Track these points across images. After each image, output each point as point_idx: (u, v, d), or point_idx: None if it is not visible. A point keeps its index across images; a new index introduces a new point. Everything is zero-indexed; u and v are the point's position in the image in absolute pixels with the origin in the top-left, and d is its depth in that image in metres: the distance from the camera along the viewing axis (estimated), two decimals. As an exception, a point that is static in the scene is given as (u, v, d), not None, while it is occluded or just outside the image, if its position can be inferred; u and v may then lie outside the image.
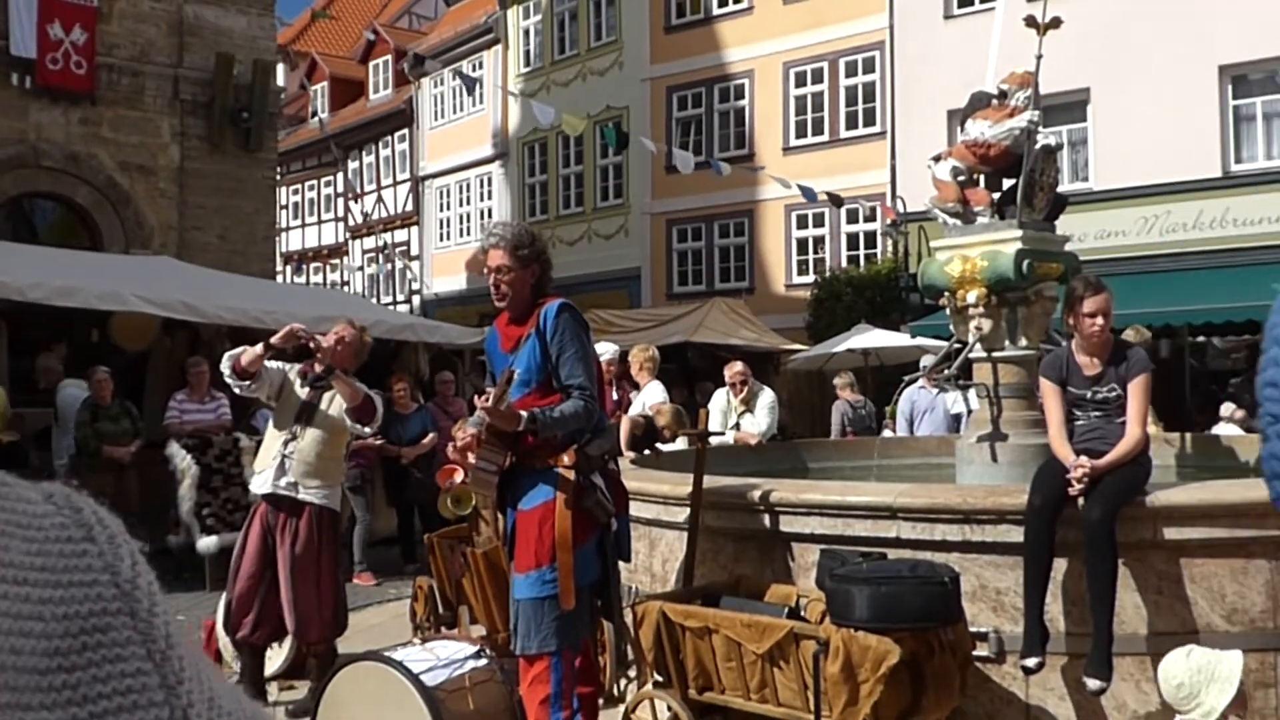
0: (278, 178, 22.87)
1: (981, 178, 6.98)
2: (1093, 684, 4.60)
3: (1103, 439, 5.00)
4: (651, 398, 9.17)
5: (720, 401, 10.07)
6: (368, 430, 6.70)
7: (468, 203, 32.59)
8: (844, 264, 23.37)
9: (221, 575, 7.99)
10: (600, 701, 5.29)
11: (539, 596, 4.66)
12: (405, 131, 34.85)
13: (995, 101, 6.87)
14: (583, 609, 4.74)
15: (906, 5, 22.32)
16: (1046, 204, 6.87)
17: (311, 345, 6.24)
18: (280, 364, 6.43)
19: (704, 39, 26.04)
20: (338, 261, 37.76)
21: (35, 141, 17.07)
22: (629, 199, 27.54)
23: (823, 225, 24.30)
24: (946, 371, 6.91)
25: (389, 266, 34.91)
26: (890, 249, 22.51)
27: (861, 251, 23.66)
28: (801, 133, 24.54)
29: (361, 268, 36.58)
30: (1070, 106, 19.84)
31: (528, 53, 30.33)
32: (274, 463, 6.28)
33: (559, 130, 28.32)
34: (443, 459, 9.63)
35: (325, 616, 6.30)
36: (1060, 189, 7.16)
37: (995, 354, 6.66)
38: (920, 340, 17.19)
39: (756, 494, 5.50)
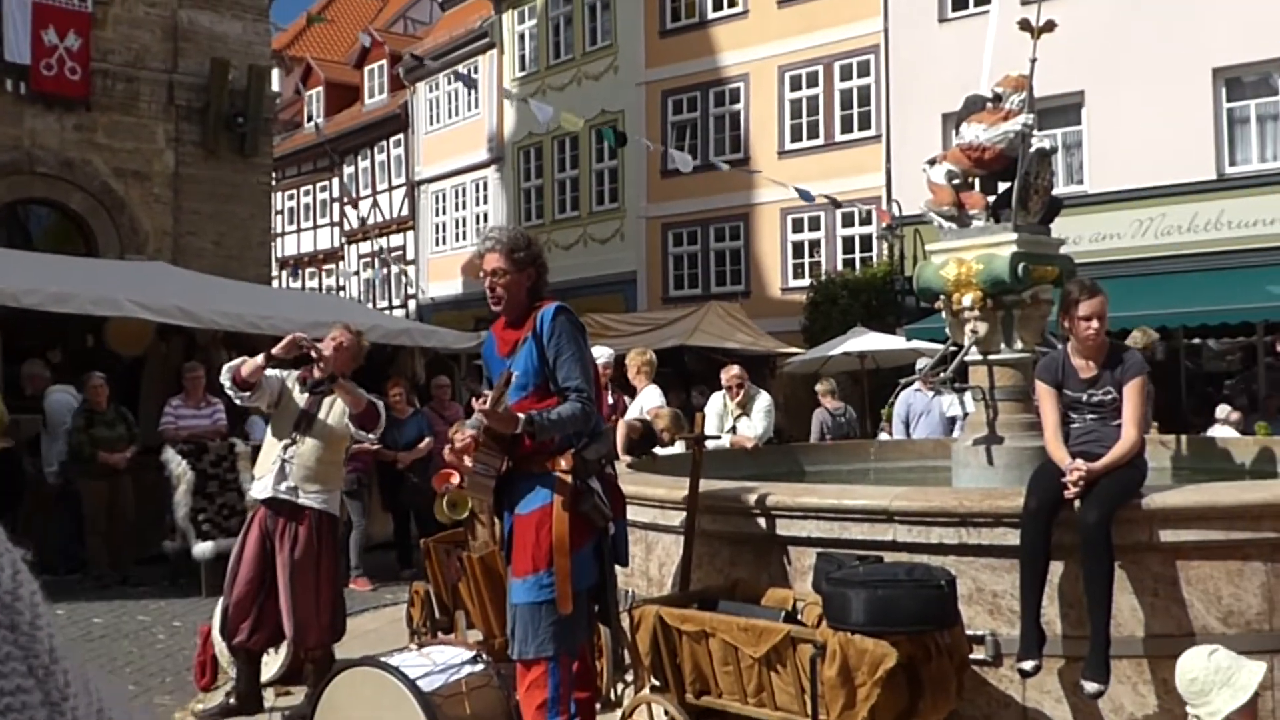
0: (273, 183, 22.89)
1: (976, 181, 6.99)
2: (1090, 687, 4.60)
3: (1098, 442, 5.00)
4: (649, 402, 9.18)
5: (717, 405, 10.08)
6: (371, 436, 6.70)
7: (463, 207, 32.59)
8: (839, 267, 23.39)
9: (217, 581, 7.99)
10: (597, 706, 5.28)
11: (536, 601, 4.65)
12: (400, 136, 34.85)
13: (990, 105, 6.88)
14: (580, 614, 4.73)
15: (901, 9, 22.36)
16: (1041, 207, 6.87)
17: (313, 354, 6.23)
18: (279, 371, 6.42)
19: (699, 43, 26.06)
20: (333, 266, 37.74)
21: (30, 148, 17.06)
22: (624, 203, 27.55)
23: (818, 229, 24.31)
24: (942, 374, 6.91)
25: (385, 271, 34.89)
26: (886, 252, 22.54)
27: (857, 255, 23.67)
28: (797, 136, 24.56)
29: (357, 272, 36.56)
30: (1065, 109, 19.87)
31: (523, 57, 30.34)
32: (274, 468, 6.28)
33: (554, 134, 28.43)
34: (439, 463, 9.65)
35: (323, 622, 6.29)
36: (1055, 192, 7.17)
37: (991, 357, 6.67)
38: (916, 343, 17.22)
39: (753, 497, 5.49)
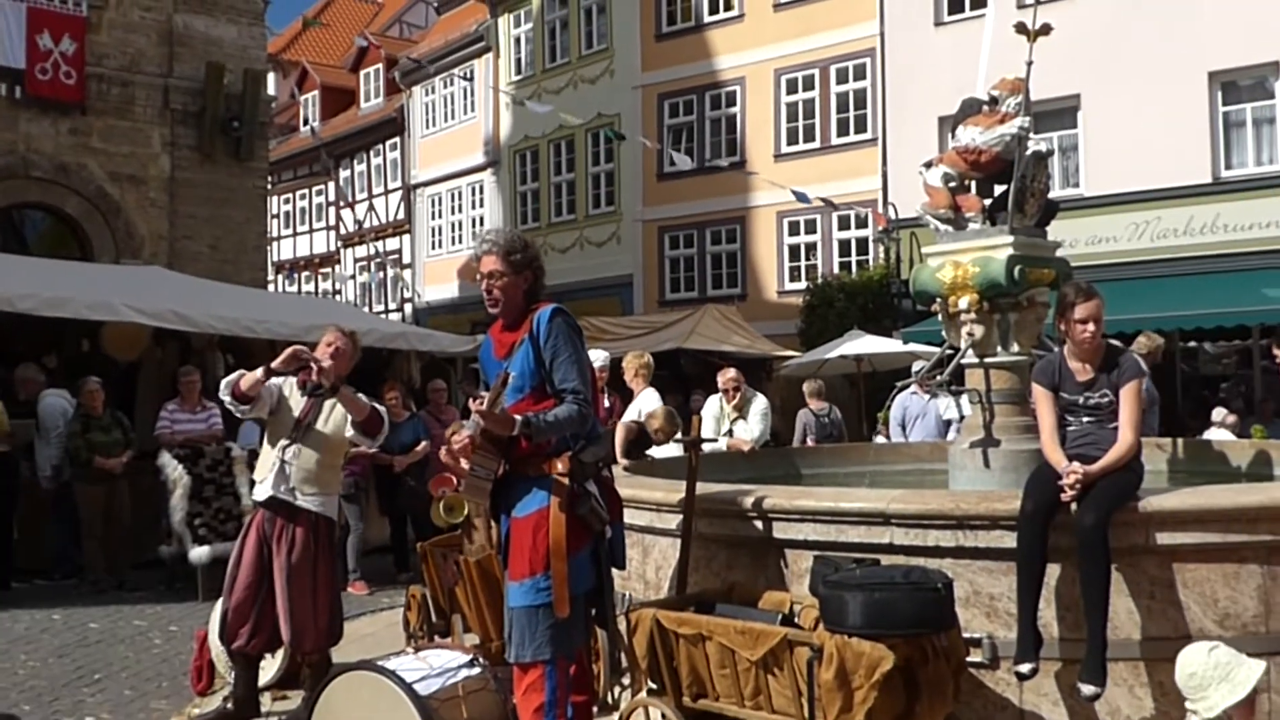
0: (269, 187, 22.87)
1: (973, 184, 6.99)
2: (1087, 689, 4.60)
3: (1095, 444, 5.00)
4: (646, 405, 9.16)
5: (713, 408, 10.08)
6: (374, 443, 6.69)
7: (459, 211, 32.59)
8: (836, 270, 23.41)
9: (213, 585, 7.99)
10: (594, 710, 5.28)
11: (533, 604, 4.65)
12: (396, 140, 34.85)
13: (986, 108, 6.88)
14: (577, 617, 4.73)
15: (897, 12, 22.38)
16: (1038, 210, 6.87)
17: (314, 368, 6.21)
18: (275, 379, 6.40)
19: (695, 46, 26.07)
20: (329, 270, 37.74)
21: (25, 152, 17.05)
22: (621, 206, 27.56)
23: (815, 231, 24.32)
24: (939, 377, 6.92)
25: (381, 275, 34.89)
26: (882, 255, 22.55)
27: (853, 258, 23.69)
28: (793, 139, 24.57)
29: (353, 276, 36.54)
30: (1061, 113, 19.90)
31: (519, 60, 30.35)
32: (273, 469, 6.27)
33: (551, 138, 28.45)
34: (435, 467, 9.64)
35: (321, 626, 6.28)
36: (1051, 195, 7.17)
37: (987, 360, 6.67)
38: (912, 346, 17.23)
39: (749, 500, 5.49)
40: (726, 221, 25.60)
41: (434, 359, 15.98)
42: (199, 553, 10.51)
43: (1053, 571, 4.84)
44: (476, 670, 5.14)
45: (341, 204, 36.32)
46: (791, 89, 24.63)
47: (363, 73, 37.52)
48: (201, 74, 18.49)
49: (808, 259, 24.39)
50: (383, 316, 30.66)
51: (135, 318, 12.15)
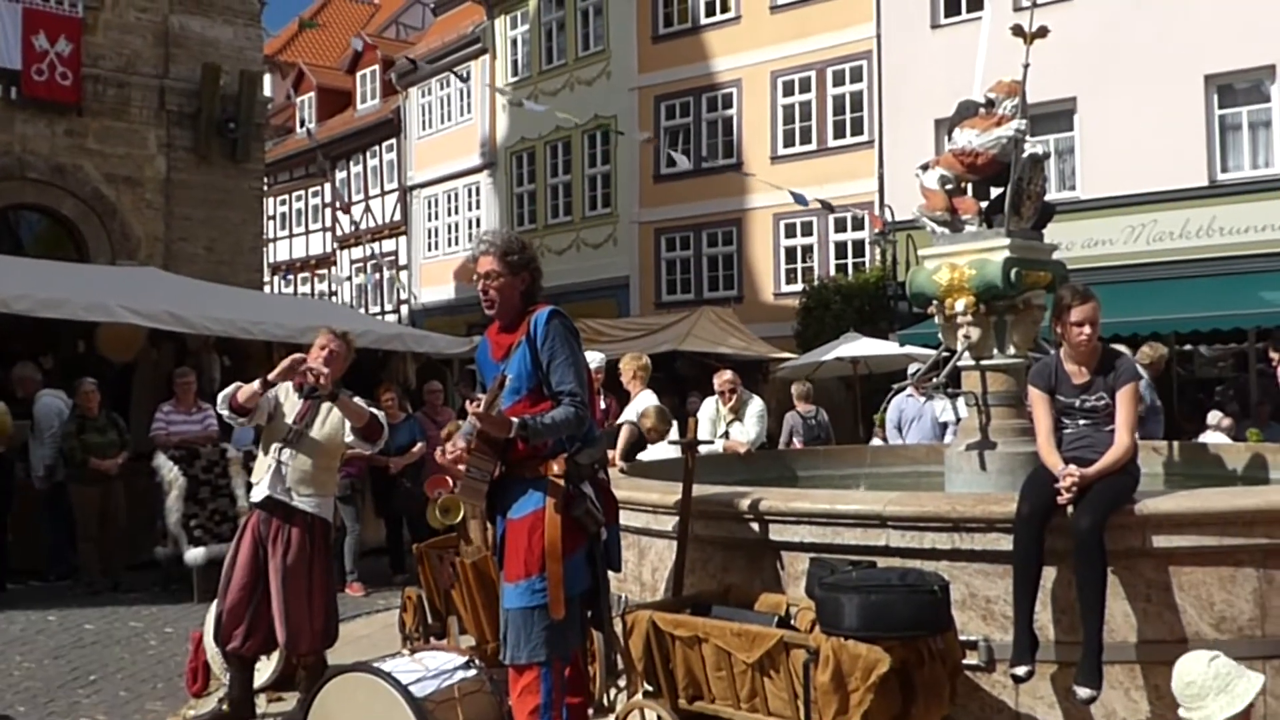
0: (265, 188, 22.86)
1: (969, 186, 6.98)
2: (1083, 692, 4.60)
3: (1091, 447, 5.00)
4: (643, 406, 9.16)
5: (709, 410, 10.07)
6: (375, 447, 6.69)
7: (456, 212, 32.58)
8: (832, 272, 23.42)
9: (209, 587, 7.98)
10: (590, 711, 5.27)
11: (529, 606, 4.64)
12: (393, 141, 34.84)
13: (983, 110, 6.88)
14: (573, 619, 4.72)
15: (894, 14, 22.39)
16: (1034, 212, 6.87)
17: (312, 377, 6.19)
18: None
19: (692, 48, 26.08)
20: (325, 272, 37.71)
21: (20, 153, 17.05)
22: (617, 208, 27.56)
23: (811, 234, 24.32)
24: (935, 380, 6.91)
25: (377, 276, 34.88)
26: (878, 257, 22.57)
27: (850, 260, 23.70)
28: (789, 142, 24.58)
29: (349, 278, 36.52)
30: (1057, 115, 19.92)
31: (515, 62, 30.34)
32: (269, 471, 6.26)
33: (547, 139, 28.45)
34: (431, 469, 9.64)
35: (316, 627, 6.27)
36: (1047, 198, 7.17)
37: (983, 362, 6.66)
38: (909, 348, 17.23)
39: (746, 502, 5.49)
40: (723, 223, 25.61)
41: (430, 360, 15.97)
42: (194, 554, 10.50)
43: (1049, 574, 4.84)
44: (472, 672, 5.14)
45: (338, 205, 36.31)
46: (788, 91, 24.64)
47: (359, 74, 37.52)
48: (197, 75, 18.50)
49: (804, 261, 24.40)
50: (379, 318, 30.62)
51: (131, 319, 12.14)
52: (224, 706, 6.38)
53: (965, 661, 4.79)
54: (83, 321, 12.34)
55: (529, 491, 4.72)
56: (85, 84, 17.42)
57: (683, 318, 21.22)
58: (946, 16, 21.75)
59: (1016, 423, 6.56)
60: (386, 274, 34.59)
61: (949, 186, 6.92)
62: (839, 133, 23.92)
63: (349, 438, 6.38)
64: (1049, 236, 7.09)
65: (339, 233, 36.96)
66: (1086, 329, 5.10)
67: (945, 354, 6.88)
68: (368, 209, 35.62)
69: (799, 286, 23.54)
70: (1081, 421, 5.13)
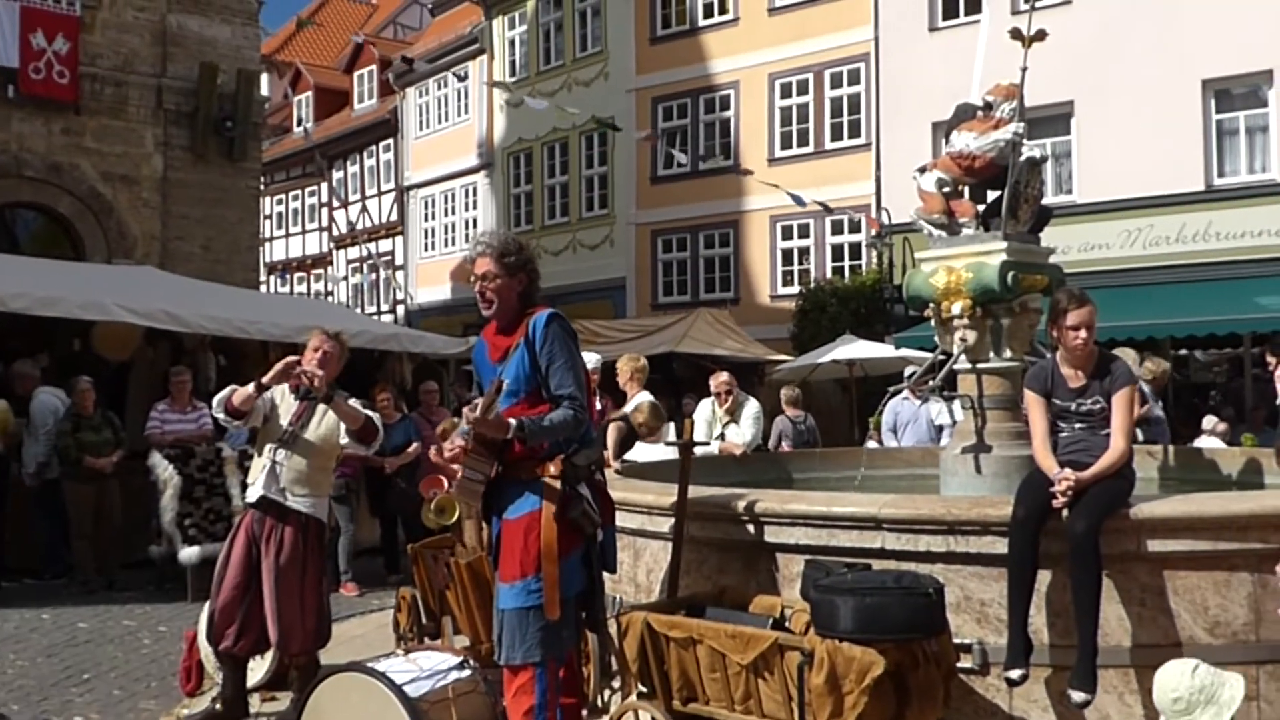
0: (261, 187, 22.84)
1: (966, 189, 6.98)
2: (1077, 696, 4.61)
3: (1087, 451, 5.01)
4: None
5: (705, 412, 10.07)
6: (370, 449, 6.68)
7: (452, 213, 32.57)
8: (829, 275, 23.42)
9: (203, 586, 7.96)
10: (584, 712, 5.27)
11: (524, 607, 4.64)
12: (390, 141, 34.82)
13: (980, 113, 6.88)
14: (568, 620, 4.72)
15: (891, 17, 22.41)
16: (1031, 216, 6.88)
17: (305, 380, 6.19)
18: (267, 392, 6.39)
19: (689, 50, 26.09)
20: (322, 271, 37.69)
21: (17, 151, 17.03)
22: (614, 209, 27.57)
23: (808, 236, 24.33)
24: (931, 383, 6.91)
25: (373, 276, 34.85)
26: (875, 260, 22.57)
27: (846, 262, 23.71)
28: (787, 144, 24.59)
29: (346, 278, 36.52)
30: (1054, 119, 19.93)
31: (513, 63, 30.34)
32: (264, 470, 6.26)
33: (545, 140, 28.45)
34: (426, 469, 9.62)
35: (308, 627, 6.27)
36: (1044, 201, 7.17)
37: (980, 365, 6.66)
38: (905, 351, 17.22)
39: (741, 504, 5.49)
40: (720, 225, 25.63)
41: (426, 361, 15.96)
42: (189, 553, 10.49)
43: (1044, 578, 4.84)
44: (466, 672, 5.13)
45: (334, 205, 36.28)
46: (786, 93, 24.66)
47: (356, 74, 37.50)
48: (195, 74, 18.49)
49: (800, 263, 24.41)
50: (375, 318, 30.60)
51: (127, 318, 12.12)
52: (217, 706, 6.38)
53: (959, 664, 4.79)
54: (79, 320, 12.32)
55: (525, 493, 4.72)
56: (82, 82, 17.40)
57: (679, 319, 21.21)
58: (945, 19, 21.77)
59: (1012, 426, 6.56)
60: (383, 274, 34.58)
61: (946, 189, 6.92)
62: (836, 135, 23.93)
63: (344, 439, 6.38)
64: (1046, 240, 7.10)
65: (335, 233, 36.95)
66: (1082, 333, 5.11)
67: (941, 357, 6.88)
68: (364, 209, 35.61)
69: (795, 289, 23.55)
70: (1077, 425, 5.14)
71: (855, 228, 23.47)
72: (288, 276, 38.65)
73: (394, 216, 34.56)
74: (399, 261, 34.33)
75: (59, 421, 11.35)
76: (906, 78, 21.71)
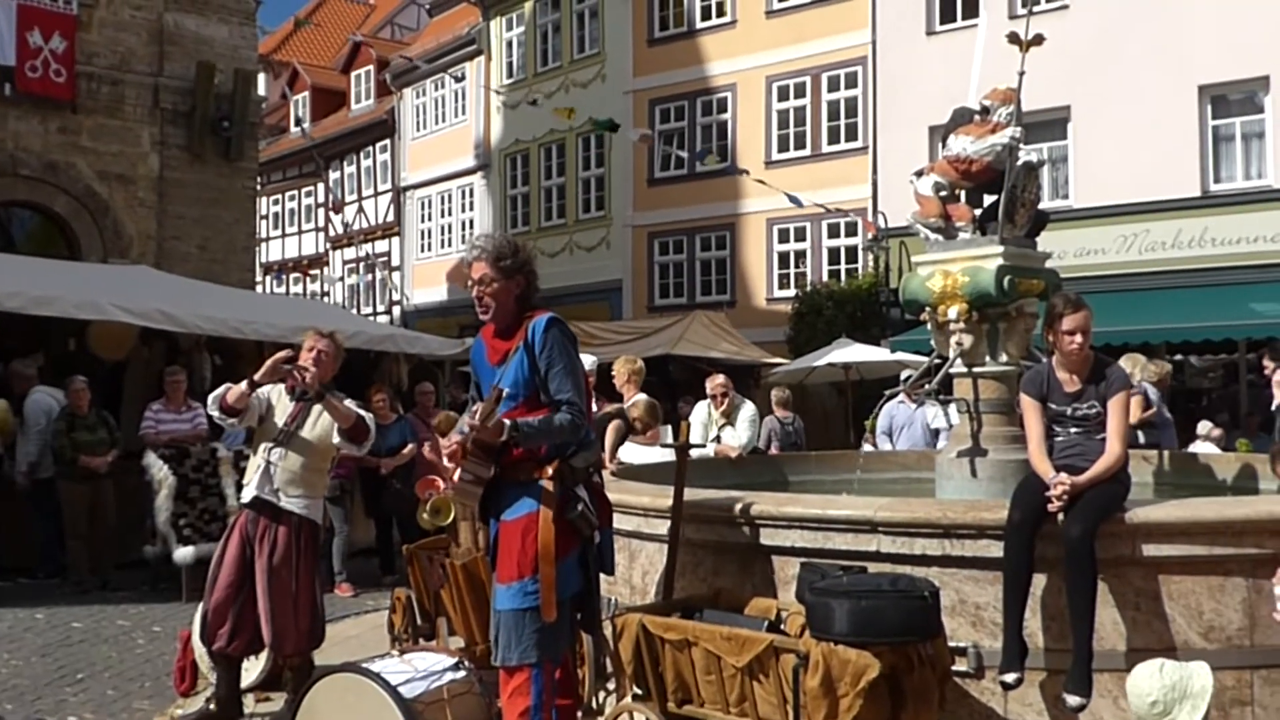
0: (258, 188, 22.84)
1: (963, 193, 7.00)
2: (1072, 700, 4.61)
3: (1082, 455, 5.02)
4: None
5: (701, 414, 10.08)
6: (360, 449, 6.67)
7: (449, 214, 32.57)
8: (825, 278, 23.44)
9: (197, 586, 7.96)
10: (580, 714, 5.27)
11: (520, 608, 4.63)
12: (387, 142, 34.81)
13: (977, 117, 6.89)
14: (564, 621, 4.72)
15: (889, 21, 22.43)
16: (1028, 220, 6.89)
17: (297, 375, 6.18)
18: (264, 388, 6.38)
19: (687, 52, 26.10)
20: (318, 272, 37.67)
21: (13, 150, 17.01)
22: (611, 211, 27.57)
23: (804, 239, 24.35)
24: (927, 386, 6.92)
25: (369, 277, 34.83)
26: (871, 264, 22.58)
27: (843, 266, 23.74)
28: (784, 147, 24.61)
29: (342, 278, 36.49)
30: (1051, 124, 19.96)
31: (510, 64, 30.34)
32: (259, 471, 6.26)
33: (542, 142, 28.45)
34: (422, 469, 9.61)
35: (302, 628, 6.26)
36: (1040, 206, 7.18)
37: (976, 369, 6.68)
38: (901, 355, 17.23)
39: (737, 507, 5.49)
40: (716, 228, 25.64)
41: (422, 361, 15.95)
42: (183, 553, 10.47)
43: (1039, 581, 4.85)
44: (461, 673, 5.13)
45: (331, 206, 36.27)
46: (783, 96, 24.68)
47: (354, 74, 37.49)
48: (192, 73, 18.47)
49: (797, 266, 24.43)
50: (371, 319, 30.59)
51: (122, 317, 12.11)
52: (211, 706, 6.37)
53: (954, 668, 4.79)
54: (74, 319, 12.31)
55: (523, 494, 4.71)
56: (79, 81, 17.38)
57: (675, 322, 21.22)
58: (942, 23, 21.80)
59: (1008, 430, 6.57)
60: (379, 275, 34.56)
61: (943, 193, 6.93)
62: (833, 138, 23.96)
63: (338, 440, 6.38)
64: (1042, 245, 7.11)
65: (332, 233, 36.93)
66: (1078, 338, 5.11)
67: (937, 360, 6.89)
68: (361, 209, 35.59)
69: (791, 292, 23.58)
70: (1073, 429, 5.15)
71: (852, 231, 23.49)
72: (284, 277, 38.62)
73: (390, 217, 34.54)
74: (395, 262, 34.32)
75: (54, 421, 11.34)
76: (904, 81, 21.73)
